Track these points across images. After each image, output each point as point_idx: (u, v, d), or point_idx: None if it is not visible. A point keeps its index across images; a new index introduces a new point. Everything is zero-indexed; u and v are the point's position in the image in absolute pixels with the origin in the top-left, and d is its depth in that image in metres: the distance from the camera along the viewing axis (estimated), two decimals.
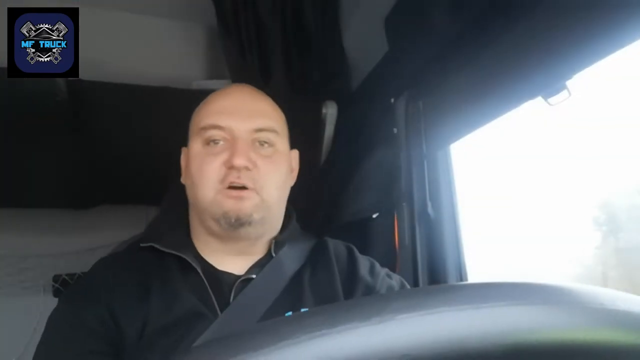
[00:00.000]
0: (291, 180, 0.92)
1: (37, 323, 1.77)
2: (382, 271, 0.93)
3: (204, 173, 0.82)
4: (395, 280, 0.94)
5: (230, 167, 0.80)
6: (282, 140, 0.88)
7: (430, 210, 1.19)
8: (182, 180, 0.90)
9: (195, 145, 0.85)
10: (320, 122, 1.46)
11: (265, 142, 0.85)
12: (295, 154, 0.94)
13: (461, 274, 1.15)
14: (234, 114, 0.84)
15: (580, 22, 0.80)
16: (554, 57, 0.86)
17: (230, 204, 0.80)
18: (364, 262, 0.93)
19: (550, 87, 0.86)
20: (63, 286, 1.89)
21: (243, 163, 0.80)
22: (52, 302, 1.86)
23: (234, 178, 0.80)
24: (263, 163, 0.83)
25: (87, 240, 1.89)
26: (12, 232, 1.83)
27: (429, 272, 1.17)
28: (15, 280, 1.86)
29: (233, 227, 0.81)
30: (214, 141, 0.83)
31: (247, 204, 0.80)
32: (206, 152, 0.83)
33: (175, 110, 1.49)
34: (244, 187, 0.81)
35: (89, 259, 1.84)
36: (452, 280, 1.15)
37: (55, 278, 1.90)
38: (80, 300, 0.80)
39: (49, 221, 1.89)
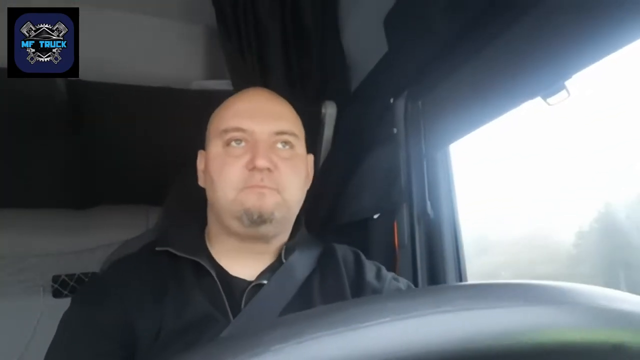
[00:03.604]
0: (307, 184, 0.93)
1: (37, 323, 1.78)
2: (388, 275, 0.94)
3: (225, 174, 0.82)
4: (402, 283, 0.95)
5: (252, 168, 0.81)
6: (300, 144, 0.89)
7: (429, 210, 1.19)
8: (201, 183, 0.91)
9: (215, 148, 0.85)
10: (319, 123, 1.47)
11: (286, 144, 0.86)
12: (311, 158, 0.95)
13: (460, 274, 1.15)
14: (255, 116, 0.85)
15: (579, 22, 0.80)
16: (553, 57, 0.86)
17: (253, 200, 0.80)
18: (370, 267, 0.94)
19: (549, 87, 0.86)
20: (62, 286, 1.89)
21: (265, 164, 0.80)
22: (52, 302, 1.88)
23: (257, 181, 0.80)
24: (284, 165, 0.83)
25: (87, 240, 1.90)
26: (12, 232, 1.83)
27: (429, 272, 1.17)
28: (15, 280, 1.86)
29: (255, 223, 0.81)
30: (236, 141, 0.84)
31: (269, 201, 0.81)
32: (227, 154, 0.84)
33: (175, 110, 1.50)
34: (265, 186, 0.81)
35: (88, 259, 1.87)
36: (451, 280, 1.15)
37: (55, 278, 1.90)
38: (95, 303, 0.80)
39: (49, 221, 1.88)
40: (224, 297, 0.80)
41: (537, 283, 0.30)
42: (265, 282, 0.84)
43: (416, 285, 1.15)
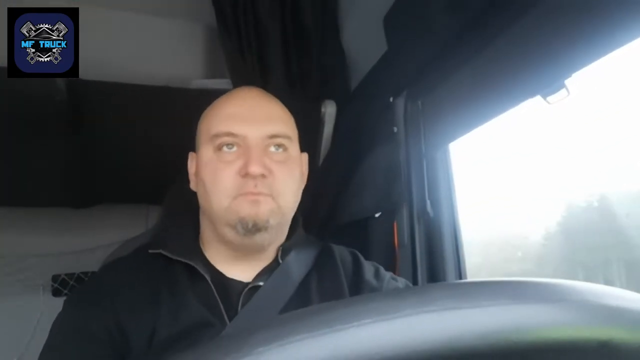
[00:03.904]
0: (302, 184, 0.91)
1: (37, 322, 1.78)
2: (387, 275, 0.93)
3: (218, 182, 0.80)
4: (401, 282, 0.95)
5: (245, 174, 0.78)
6: (294, 145, 0.87)
7: (429, 209, 1.19)
8: (192, 187, 0.89)
9: (207, 153, 0.83)
10: (319, 122, 1.47)
11: (279, 147, 0.83)
12: (305, 157, 0.93)
13: (460, 273, 1.15)
14: (247, 120, 0.82)
15: (579, 21, 0.80)
16: (553, 55, 0.86)
17: (247, 209, 0.78)
18: (368, 267, 0.93)
19: (549, 86, 0.86)
20: (62, 286, 1.90)
21: (259, 171, 0.78)
22: (52, 302, 1.89)
23: (250, 188, 0.78)
24: (278, 169, 0.81)
25: (87, 239, 1.90)
26: (11, 231, 1.84)
27: (428, 271, 1.17)
28: (15, 280, 1.87)
29: (250, 232, 0.79)
30: (227, 145, 0.81)
31: (263, 208, 0.79)
32: (218, 159, 0.81)
33: (175, 109, 1.51)
34: (259, 193, 0.80)
35: (88, 258, 1.87)
36: (451, 279, 1.15)
37: (55, 278, 1.91)
38: (87, 308, 0.79)
39: (49, 221, 1.89)
40: (219, 301, 0.79)
41: (522, 280, 0.30)
42: (261, 283, 0.83)
43: (415, 284, 1.15)
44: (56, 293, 1.88)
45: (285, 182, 0.82)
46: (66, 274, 1.91)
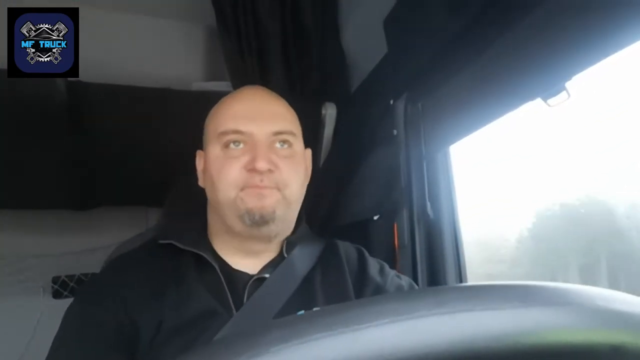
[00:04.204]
0: (307, 179, 0.93)
1: (37, 323, 1.78)
2: (391, 272, 0.95)
3: (225, 176, 0.83)
4: (404, 281, 0.96)
5: (251, 169, 0.81)
6: (298, 141, 0.90)
7: (429, 211, 1.19)
8: (200, 183, 0.91)
9: (214, 150, 0.85)
10: (319, 124, 1.47)
11: (284, 143, 0.86)
12: (308, 153, 0.95)
13: (460, 275, 1.15)
14: (253, 117, 0.85)
15: (579, 24, 0.80)
16: (554, 58, 0.86)
17: (253, 201, 0.81)
18: (373, 263, 0.95)
19: (549, 88, 0.86)
20: (62, 287, 1.90)
21: (265, 166, 0.81)
22: (52, 303, 1.88)
23: (256, 182, 0.81)
24: (284, 163, 0.84)
25: (87, 241, 1.90)
26: (12, 232, 1.83)
27: (429, 273, 1.17)
28: (15, 281, 1.86)
29: (257, 224, 0.82)
30: (234, 142, 0.84)
31: (269, 200, 0.82)
32: (226, 156, 0.84)
33: (175, 111, 1.50)
34: (265, 186, 0.82)
35: (88, 260, 1.87)
36: (451, 281, 1.15)
37: (55, 279, 1.91)
38: (96, 300, 0.81)
39: (49, 221, 1.89)
40: (227, 291, 0.81)
41: (535, 284, 0.30)
42: (267, 275, 0.85)
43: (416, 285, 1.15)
44: (56, 295, 1.88)
45: (290, 175, 0.84)
46: (66, 276, 1.91)
